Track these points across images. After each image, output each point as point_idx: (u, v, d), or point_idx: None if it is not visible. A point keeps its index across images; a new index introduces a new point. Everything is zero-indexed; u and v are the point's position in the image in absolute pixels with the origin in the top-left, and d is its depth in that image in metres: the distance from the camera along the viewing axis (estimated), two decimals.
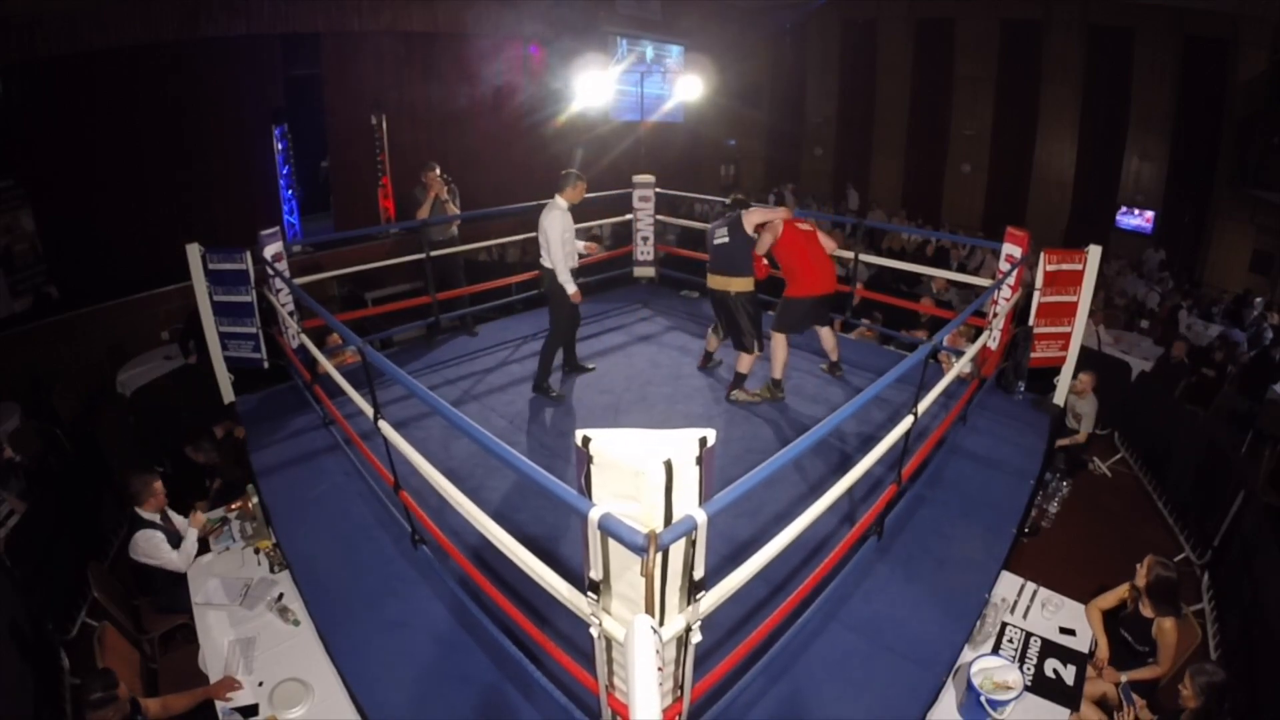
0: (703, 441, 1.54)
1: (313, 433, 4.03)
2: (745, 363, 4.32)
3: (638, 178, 6.08)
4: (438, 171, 5.29)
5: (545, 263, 4.35)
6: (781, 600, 2.50)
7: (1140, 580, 2.92)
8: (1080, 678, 2.65)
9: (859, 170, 13.49)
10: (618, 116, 11.54)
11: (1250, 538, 3.80)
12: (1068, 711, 2.52)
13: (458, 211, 5.40)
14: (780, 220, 4.18)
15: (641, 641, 1.39)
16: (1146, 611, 2.92)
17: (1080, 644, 2.83)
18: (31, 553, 3.64)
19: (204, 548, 3.44)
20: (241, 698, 2.58)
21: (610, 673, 1.79)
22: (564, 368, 4.78)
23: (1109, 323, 7.45)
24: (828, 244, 4.33)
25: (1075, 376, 4.89)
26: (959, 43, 11.74)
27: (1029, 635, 2.79)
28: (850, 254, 5.16)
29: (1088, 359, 5.04)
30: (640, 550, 1.42)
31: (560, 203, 4.31)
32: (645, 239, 6.27)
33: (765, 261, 4.30)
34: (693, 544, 1.57)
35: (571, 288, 4.29)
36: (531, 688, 2.36)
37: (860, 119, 13.30)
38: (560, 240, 4.25)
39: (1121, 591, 3.05)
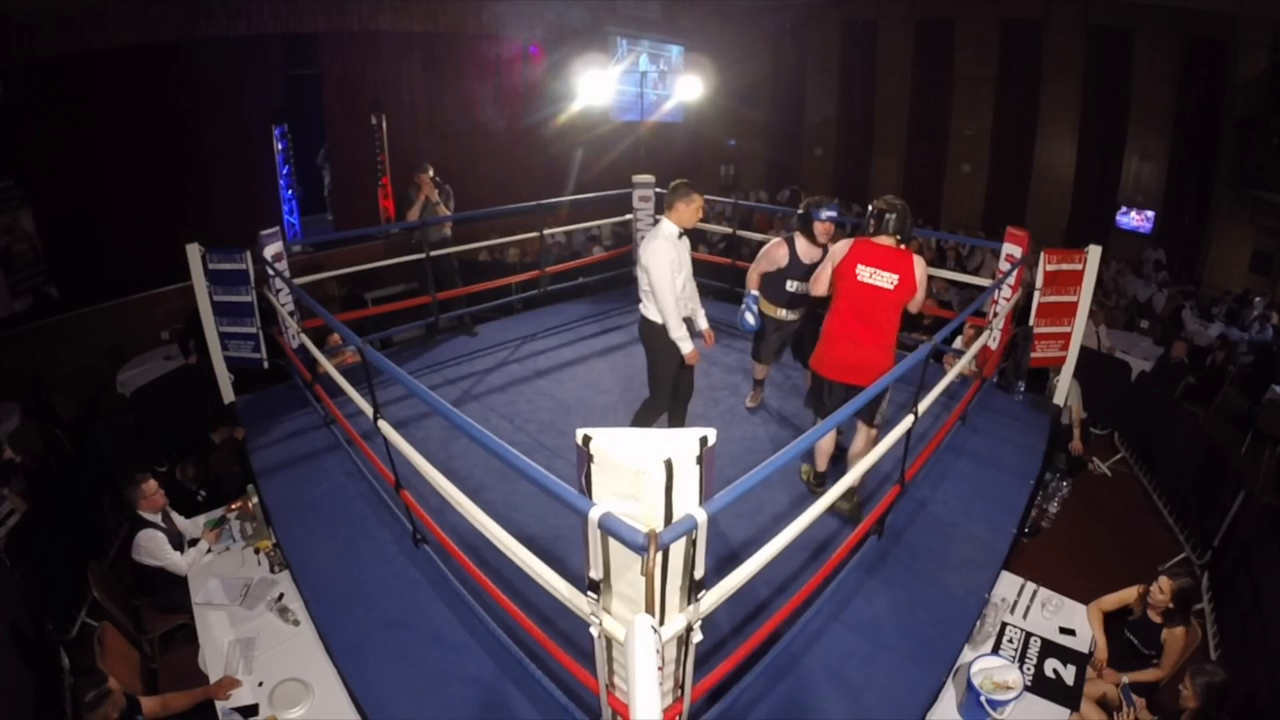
0: (703, 441, 1.54)
1: (313, 433, 4.03)
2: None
3: (637, 178, 6.07)
4: (430, 173, 5.30)
5: (646, 312, 3.31)
6: (783, 601, 2.50)
7: (1161, 600, 2.89)
8: (1080, 678, 2.65)
9: (859, 170, 13.49)
10: (618, 116, 11.54)
11: (1250, 538, 3.80)
12: (1068, 711, 2.52)
13: (449, 213, 5.39)
14: (838, 250, 3.06)
15: (642, 641, 1.39)
16: (1156, 618, 2.92)
17: (1080, 644, 2.83)
18: (31, 553, 3.64)
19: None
20: (241, 697, 2.58)
21: (610, 672, 1.79)
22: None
23: (1110, 322, 7.45)
24: (913, 302, 2.99)
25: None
26: (959, 43, 11.73)
27: (1029, 635, 2.79)
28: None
29: (1089, 360, 5.04)
30: (640, 549, 1.42)
31: (667, 228, 3.19)
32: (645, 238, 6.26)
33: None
34: (693, 543, 1.57)
35: (687, 346, 3.26)
36: (531, 688, 2.37)
37: (860, 119, 13.28)
38: (670, 284, 3.13)
39: (1126, 596, 3.05)
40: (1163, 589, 2.89)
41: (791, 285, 3.71)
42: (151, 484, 3.38)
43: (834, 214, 3.51)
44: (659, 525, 1.51)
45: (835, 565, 2.69)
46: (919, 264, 2.94)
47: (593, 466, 1.56)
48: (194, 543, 3.43)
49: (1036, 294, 4.00)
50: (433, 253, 5.14)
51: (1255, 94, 8.79)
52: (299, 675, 2.62)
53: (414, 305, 5.28)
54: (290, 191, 9.10)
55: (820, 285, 3.16)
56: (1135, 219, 10.64)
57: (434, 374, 4.79)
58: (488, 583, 2.47)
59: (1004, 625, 2.82)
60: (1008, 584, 3.05)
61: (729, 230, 6.23)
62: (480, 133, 10.07)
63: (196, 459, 4.53)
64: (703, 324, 3.61)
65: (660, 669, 1.37)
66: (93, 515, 4.39)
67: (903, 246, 3.00)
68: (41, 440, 5.03)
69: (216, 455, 4.87)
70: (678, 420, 3.67)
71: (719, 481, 1.66)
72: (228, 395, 4.25)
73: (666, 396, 3.49)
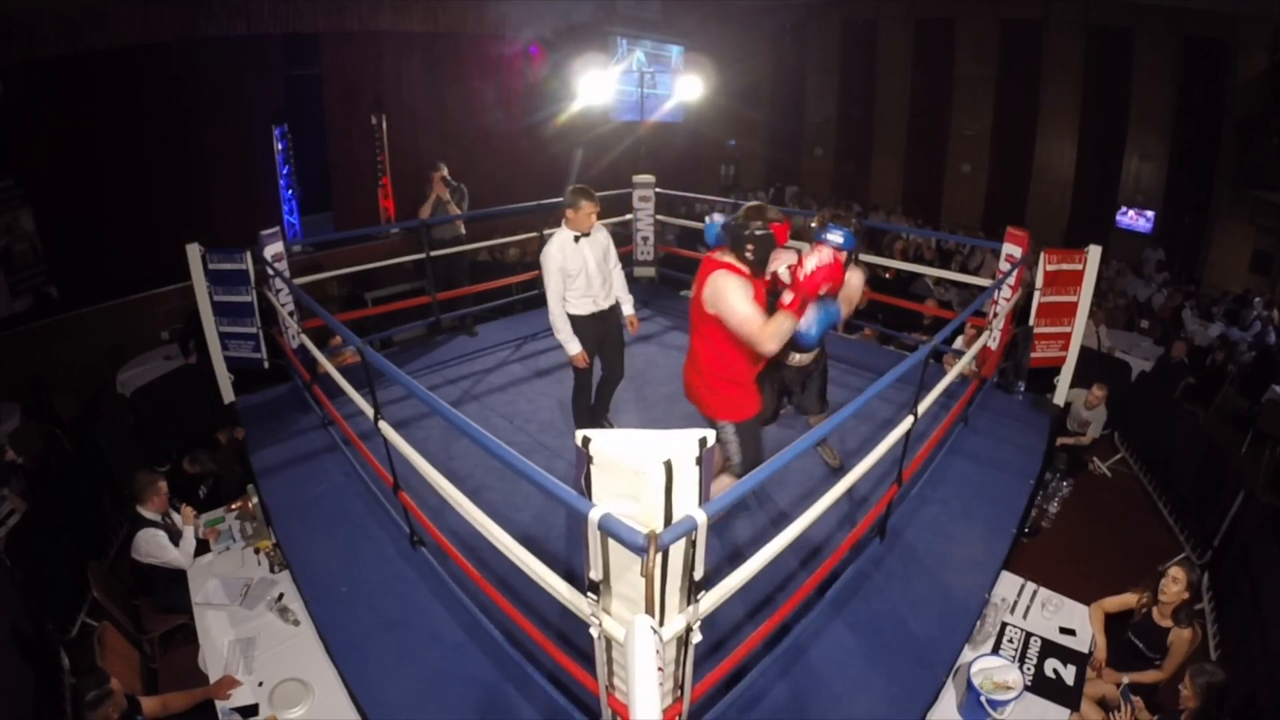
0: (703, 442, 1.54)
1: (313, 433, 4.03)
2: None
3: (638, 178, 6.07)
4: (444, 173, 5.31)
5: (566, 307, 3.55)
6: (782, 601, 2.50)
7: (1175, 592, 2.89)
8: (1080, 678, 2.65)
9: (859, 170, 13.49)
10: (618, 116, 11.54)
11: (1250, 538, 3.80)
12: (1068, 711, 2.52)
13: (460, 212, 5.40)
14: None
15: (641, 642, 1.39)
16: (1164, 621, 2.92)
17: (1080, 644, 2.83)
18: (31, 553, 3.64)
19: (204, 548, 3.45)
20: (241, 697, 2.59)
21: (610, 673, 1.79)
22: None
23: (1110, 322, 7.46)
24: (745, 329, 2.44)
25: (1089, 389, 4.91)
26: (959, 43, 11.73)
27: (1029, 635, 2.80)
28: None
29: (1089, 360, 5.03)
30: (640, 550, 1.42)
31: (560, 235, 3.38)
32: (645, 239, 6.27)
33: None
34: (693, 544, 1.57)
35: (573, 349, 3.45)
36: (531, 688, 2.37)
37: (860, 119, 13.28)
38: (554, 288, 3.35)
39: (1127, 600, 3.05)
40: (1176, 579, 2.89)
41: None
42: (164, 484, 3.41)
43: (839, 239, 2.65)
44: (659, 526, 1.51)
45: (834, 565, 2.69)
46: (720, 274, 2.43)
47: (592, 467, 1.56)
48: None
49: (1036, 294, 4.00)
50: (440, 252, 5.15)
51: (1255, 94, 8.78)
52: (299, 675, 2.62)
53: (414, 305, 5.28)
54: (290, 191, 9.10)
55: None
56: (1135, 219, 10.64)
57: (434, 374, 4.79)
58: (487, 584, 2.47)
59: (1004, 625, 2.82)
60: (1008, 584, 3.05)
61: None
62: (480, 132, 10.07)
63: (209, 449, 4.55)
64: (628, 310, 3.81)
65: (660, 670, 1.37)
66: (93, 515, 4.39)
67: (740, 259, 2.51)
68: (41, 440, 5.03)
69: (217, 456, 4.87)
70: (603, 401, 3.83)
71: None
72: (228, 395, 4.25)
73: (584, 378, 3.69)
